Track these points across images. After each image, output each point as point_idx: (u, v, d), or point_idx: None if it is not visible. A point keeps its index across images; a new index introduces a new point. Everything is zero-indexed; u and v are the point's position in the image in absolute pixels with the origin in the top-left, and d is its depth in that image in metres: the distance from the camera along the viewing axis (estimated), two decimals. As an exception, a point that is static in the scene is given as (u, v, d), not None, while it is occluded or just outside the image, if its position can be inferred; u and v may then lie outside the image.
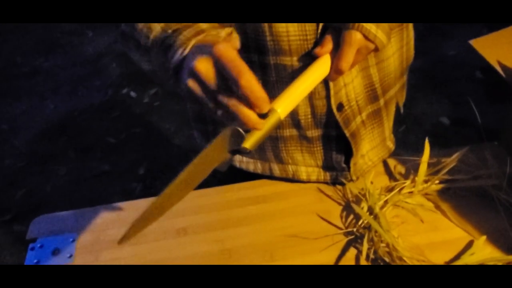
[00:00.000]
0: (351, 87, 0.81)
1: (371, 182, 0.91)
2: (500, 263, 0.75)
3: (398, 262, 0.77)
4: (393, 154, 0.98)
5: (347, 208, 0.88)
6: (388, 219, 0.84)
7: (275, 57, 0.76)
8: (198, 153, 0.60)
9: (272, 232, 0.85)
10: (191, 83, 0.61)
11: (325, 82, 0.78)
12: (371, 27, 0.68)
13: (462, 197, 0.88)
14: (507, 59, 0.90)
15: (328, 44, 0.71)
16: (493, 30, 0.99)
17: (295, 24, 0.72)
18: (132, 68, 3.04)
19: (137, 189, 2.23)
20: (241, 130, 0.60)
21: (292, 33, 0.73)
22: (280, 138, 0.88)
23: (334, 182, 0.92)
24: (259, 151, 0.92)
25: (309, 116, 0.83)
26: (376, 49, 0.72)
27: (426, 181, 0.89)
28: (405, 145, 2.27)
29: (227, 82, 0.59)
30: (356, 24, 0.68)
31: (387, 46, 0.83)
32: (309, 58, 0.73)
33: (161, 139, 2.60)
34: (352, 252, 0.81)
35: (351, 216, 0.87)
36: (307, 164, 0.91)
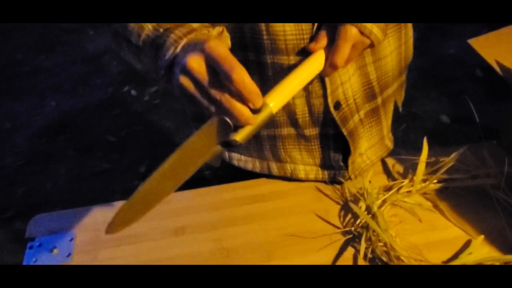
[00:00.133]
0: (348, 85, 0.81)
1: (369, 181, 0.91)
2: (497, 263, 0.75)
3: (395, 262, 0.77)
4: (393, 153, 0.98)
5: (345, 207, 0.88)
6: (386, 218, 0.83)
7: (272, 56, 0.76)
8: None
9: (270, 231, 0.85)
10: (184, 80, 0.61)
11: (322, 81, 0.78)
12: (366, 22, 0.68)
13: (460, 197, 0.88)
14: (506, 58, 0.90)
15: (323, 40, 0.71)
16: (493, 29, 0.99)
17: (292, 23, 0.72)
18: (133, 67, 3.03)
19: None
20: (227, 119, 0.60)
21: (289, 32, 0.73)
22: (278, 136, 0.88)
23: (332, 180, 0.92)
24: (257, 149, 0.92)
25: (307, 115, 0.83)
26: (372, 45, 0.72)
27: (424, 181, 0.89)
28: (405, 144, 2.27)
29: (219, 78, 0.59)
30: None
31: (385, 44, 0.83)
32: (305, 57, 0.73)
33: (161, 137, 2.60)
34: (350, 251, 0.81)
35: (349, 215, 0.87)
36: (305, 162, 0.92)
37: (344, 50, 0.69)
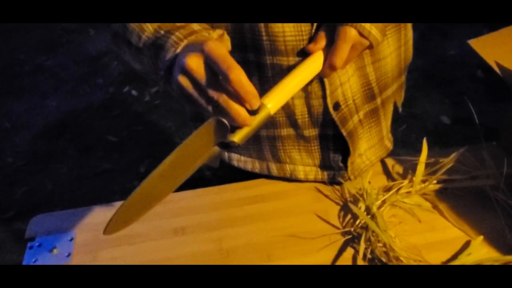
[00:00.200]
0: (348, 86, 0.81)
1: (369, 182, 0.91)
2: (497, 264, 0.75)
3: (395, 262, 0.77)
4: (394, 153, 0.98)
5: (345, 208, 0.88)
6: (385, 219, 0.84)
7: (272, 57, 0.76)
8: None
9: (270, 231, 0.85)
10: (182, 80, 0.61)
11: (321, 82, 0.78)
12: (365, 23, 0.69)
13: (460, 197, 0.88)
14: (506, 59, 0.90)
15: (322, 41, 0.71)
16: (493, 30, 0.99)
17: (291, 25, 0.73)
18: (132, 67, 3.04)
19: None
20: (225, 120, 0.60)
21: (288, 33, 0.73)
22: (278, 137, 0.88)
23: (332, 181, 0.92)
24: (257, 150, 0.92)
25: (306, 116, 0.83)
26: (371, 46, 0.72)
27: (424, 181, 0.89)
28: (406, 145, 2.27)
29: (217, 79, 0.59)
30: None
31: (384, 45, 0.83)
32: (305, 58, 0.73)
33: (162, 138, 2.60)
34: (349, 252, 0.81)
35: (349, 216, 0.87)
36: (304, 163, 0.92)
37: (343, 51, 0.69)
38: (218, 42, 0.60)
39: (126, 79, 3.03)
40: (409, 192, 0.89)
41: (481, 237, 0.79)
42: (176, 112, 2.74)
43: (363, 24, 0.68)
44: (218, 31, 0.67)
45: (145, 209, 0.63)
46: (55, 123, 2.77)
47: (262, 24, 0.73)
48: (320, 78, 0.78)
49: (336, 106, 0.81)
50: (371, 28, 0.69)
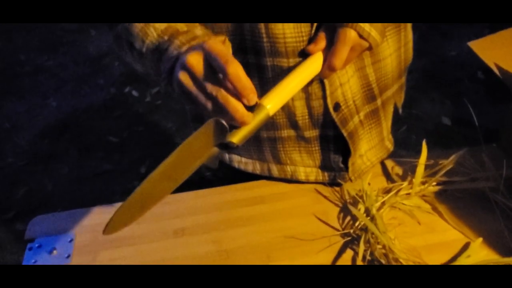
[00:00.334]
0: (348, 87, 0.81)
1: (369, 184, 0.91)
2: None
3: (394, 264, 0.77)
4: (394, 154, 0.98)
5: (344, 210, 0.88)
6: (385, 220, 0.84)
7: (272, 58, 0.76)
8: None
9: (270, 233, 0.85)
10: (182, 76, 0.62)
11: (321, 82, 0.79)
12: (364, 25, 0.69)
13: (459, 199, 0.88)
14: (505, 61, 0.90)
15: (321, 42, 0.72)
16: (494, 30, 0.99)
17: (291, 26, 0.73)
18: (133, 68, 3.04)
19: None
20: (223, 122, 0.60)
21: (289, 35, 0.73)
22: (278, 139, 0.88)
23: (332, 182, 0.92)
24: (258, 151, 0.92)
25: (306, 117, 0.83)
26: (370, 48, 0.72)
27: (423, 183, 0.89)
28: (406, 146, 2.27)
29: (217, 76, 0.60)
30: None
31: (384, 46, 0.83)
32: (305, 59, 0.73)
33: (163, 138, 2.60)
34: (349, 253, 0.81)
35: (348, 218, 0.87)
36: (305, 164, 0.92)
37: (342, 53, 0.69)
38: (219, 41, 0.61)
39: (127, 79, 3.03)
40: (408, 194, 0.89)
41: (481, 239, 0.79)
42: (177, 112, 2.74)
43: (362, 25, 0.69)
44: (220, 37, 0.68)
45: (144, 210, 0.64)
46: (55, 124, 2.77)
47: (262, 26, 0.73)
48: (320, 78, 0.78)
49: (336, 106, 0.82)
50: (371, 30, 0.69)
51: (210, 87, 0.61)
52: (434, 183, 0.89)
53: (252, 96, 0.60)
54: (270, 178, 0.95)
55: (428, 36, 2.97)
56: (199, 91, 0.62)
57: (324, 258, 0.80)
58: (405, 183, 0.90)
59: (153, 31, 0.71)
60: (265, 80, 0.79)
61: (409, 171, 0.92)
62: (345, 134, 0.85)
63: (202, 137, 0.62)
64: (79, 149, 2.59)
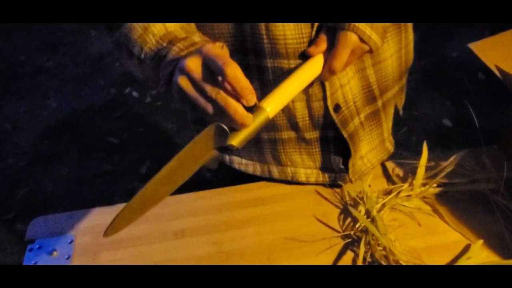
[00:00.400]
0: (348, 88, 0.81)
1: (369, 185, 0.91)
2: (496, 267, 0.75)
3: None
4: (394, 155, 0.98)
5: (345, 211, 0.88)
6: (385, 222, 0.83)
7: (272, 60, 0.76)
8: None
9: (270, 234, 0.85)
10: (182, 81, 0.62)
11: (322, 83, 0.79)
12: (365, 28, 0.69)
13: (460, 201, 0.88)
14: (506, 62, 0.90)
15: (322, 44, 0.72)
16: (495, 31, 0.99)
17: (292, 27, 0.73)
18: (132, 72, 3.04)
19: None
20: (224, 126, 0.61)
21: (289, 36, 0.73)
22: (279, 140, 0.88)
23: (333, 183, 0.92)
24: (258, 153, 0.92)
25: (307, 118, 0.83)
26: (370, 51, 0.72)
27: (424, 185, 0.89)
28: (407, 147, 2.27)
29: (215, 78, 0.61)
30: (352, 25, 0.68)
31: (384, 48, 0.83)
32: (306, 61, 0.73)
33: (163, 139, 2.60)
34: (349, 255, 0.81)
35: (349, 219, 0.87)
36: (306, 166, 0.92)
37: (343, 56, 0.69)
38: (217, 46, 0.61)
39: (127, 80, 3.03)
40: (409, 196, 0.89)
41: (481, 241, 0.79)
42: (177, 113, 2.74)
43: (363, 29, 0.69)
44: (218, 44, 0.68)
45: (142, 211, 0.65)
46: (55, 124, 2.77)
47: (263, 27, 0.73)
48: (320, 80, 0.78)
49: (337, 108, 0.82)
50: (372, 34, 0.69)
51: (209, 90, 0.61)
52: (435, 185, 0.89)
53: (251, 97, 0.60)
54: (270, 179, 0.95)
55: (428, 37, 2.96)
56: (199, 94, 0.62)
57: (324, 260, 0.80)
58: (406, 185, 0.90)
59: (151, 38, 0.71)
60: (266, 82, 0.79)
61: (410, 172, 0.92)
62: (345, 136, 0.85)
63: (203, 141, 0.62)
64: (79, 149, 2.58)
